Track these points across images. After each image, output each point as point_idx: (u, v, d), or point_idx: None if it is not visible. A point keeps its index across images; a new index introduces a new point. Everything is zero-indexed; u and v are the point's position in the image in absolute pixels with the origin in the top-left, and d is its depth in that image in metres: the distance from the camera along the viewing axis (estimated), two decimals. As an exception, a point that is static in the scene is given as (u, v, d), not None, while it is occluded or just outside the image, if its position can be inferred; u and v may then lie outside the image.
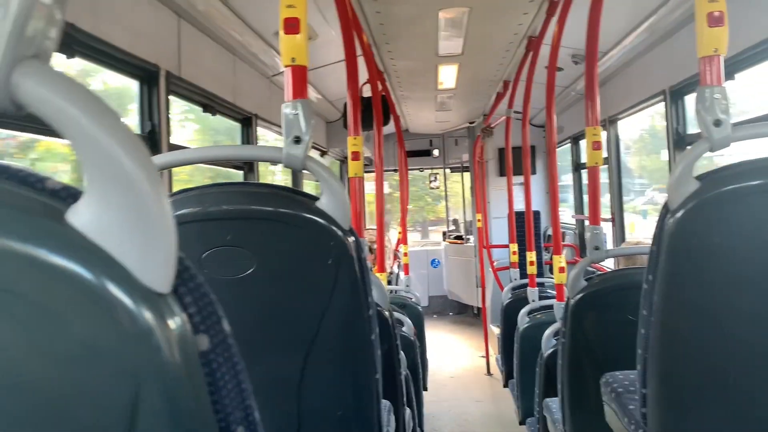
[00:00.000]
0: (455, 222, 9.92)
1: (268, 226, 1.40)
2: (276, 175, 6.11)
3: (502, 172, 7.88)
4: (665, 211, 1.47)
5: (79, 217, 0.47)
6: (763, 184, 1.39)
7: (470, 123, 8.35)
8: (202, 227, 1.40)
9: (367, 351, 1.46)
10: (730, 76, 3.22)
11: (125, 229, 0.46)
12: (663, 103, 4.05)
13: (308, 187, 6.07)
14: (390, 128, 6.19)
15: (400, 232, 6.55)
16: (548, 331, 3.20)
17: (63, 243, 0.46)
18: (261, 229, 1.40)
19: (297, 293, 1.41)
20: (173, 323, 0.48)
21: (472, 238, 8.76)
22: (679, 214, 1.42)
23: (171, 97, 3.03)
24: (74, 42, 2.27)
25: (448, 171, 9.90)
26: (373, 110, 3.75)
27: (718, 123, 1.46)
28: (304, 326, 1.42)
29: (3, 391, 0.45)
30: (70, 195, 0.49)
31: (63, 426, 0.46)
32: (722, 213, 1.41)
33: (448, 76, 5.32)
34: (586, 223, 4.63)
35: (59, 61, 2.26)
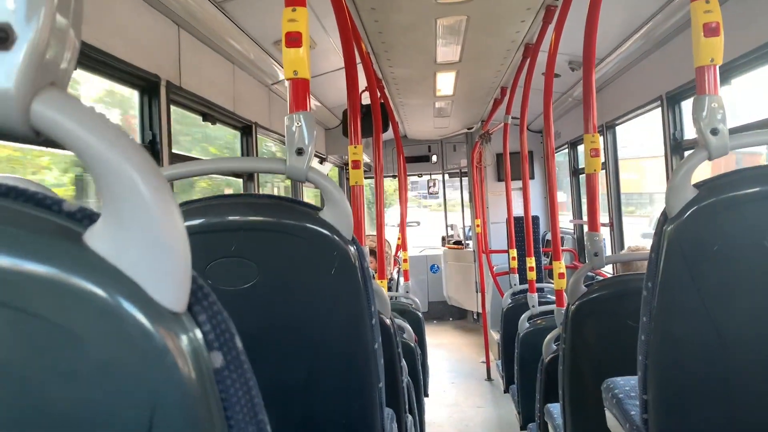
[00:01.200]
0: (453, 227, 9.94)
1: (271, 236, 1.41)
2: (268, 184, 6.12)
3: (500, 178, 7.90)
4: (664, 218, 1.48)
5: (96, 239, 0.48)
6: (761, 192, 1.41)
7: (468, 129, 8.38)
8: (206, 239, 1.41)
9: (371, 360, 1.47)
10: (726, 81, 3.25)
11: (141, 250, 0.48)
12: (659, 109, 4.07)
13: (306, 195, 6.08)
14: (389, 135, 6.21)
15: (399, 238, 6.56)
16: (549, 337, 3.21)
17: (81, 264, 0.47)
18: (264, 239, 1.42)
19: (300, 303, 1.43)
20: (188, 341, 0.49)
21: (471, 243, 8.77)
22: (677, 222, 1.44)
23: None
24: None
25: (446, 177, 9.92)
26: (373, 118, 3.77)
27: (715, 132, 1.48)
28: (308, 336, 1.43)
29: (21, 412, 0.46)
30: (86, 217, 0.50)
31: None
32: (720, 220, 1.43)
33: (446, 83, 5.35)
34: (585, 228, 4.64)
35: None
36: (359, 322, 1.44)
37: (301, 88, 1.51)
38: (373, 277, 3.51)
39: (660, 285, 1.48)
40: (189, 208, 1.44)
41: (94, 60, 2.43)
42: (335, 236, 1.40)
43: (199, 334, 0.50)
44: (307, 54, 1.51)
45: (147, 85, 2.88)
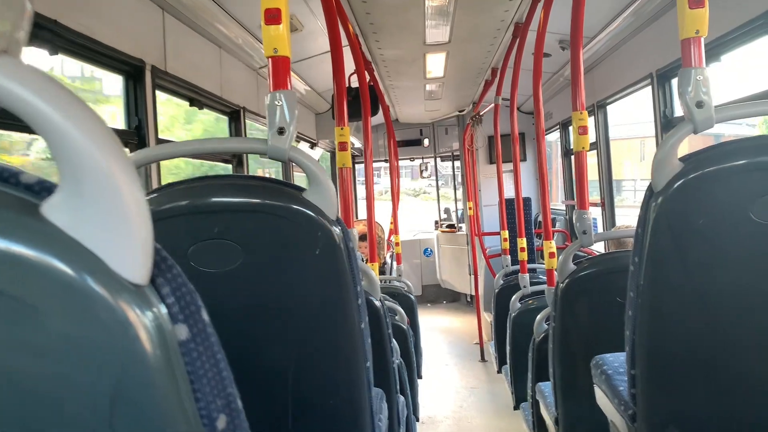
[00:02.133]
0: (447, 211, 9.94)
1: (255, 218, 1.40)
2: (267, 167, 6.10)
3: (492, 160, 7.90)
4: (650, 193, 1.48)
5: (54, 211, 0.47)
6: (746, 164, 1.40)
7: (460, 111, 8.35)
8: (189, 221, 1.40)
9: (357, 339, 1.47)
10: (716, 57, 3.24)
11: (100, 221, 0.47)
12: (650, 87, 4.06)
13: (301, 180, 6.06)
14: (380, 119, 6.18)
15: (391, 222, 6.56)
16: (539, 316, 3.22)
17: (38, 237, 0.46)
18: (248, 221, 1.40)
19: (286, 284, 1.42)
20: (151, 314, 0.48)
21: (464, 226, 8.78)
22: (663, 196, 1.44)
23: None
24: (57, 38, 2.26)
25: (438, 160, 9.90)
26: (361, 100, 3.74)
27: (700, 104, 1.47)
28: (293, 317, 1.43)
29: None
30: (44, 189, 0.49)
31: (44, 419, 0.47)
32: (705, 193, 1.42)
33: (436, 64, 5.32)
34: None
35: (43, 59, 2.25)
36: (345, 302, 1.43)
37: (281, 67, 1.49)
38: (365, 261, 3.51)
39: (646, 260, 1.48)
40: (172, 190, 1.43)
41: (77, 45, 2.40)
42: (319, 216, 1.39)
43: (162, 306, 0.50)
44: (287, 31, 1.49)
45: (132, 70, 2.85)
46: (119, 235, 0.47)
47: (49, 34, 2.21)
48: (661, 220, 1.44)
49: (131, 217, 0.48)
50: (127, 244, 0.47)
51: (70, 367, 0.46)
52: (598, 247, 5.15)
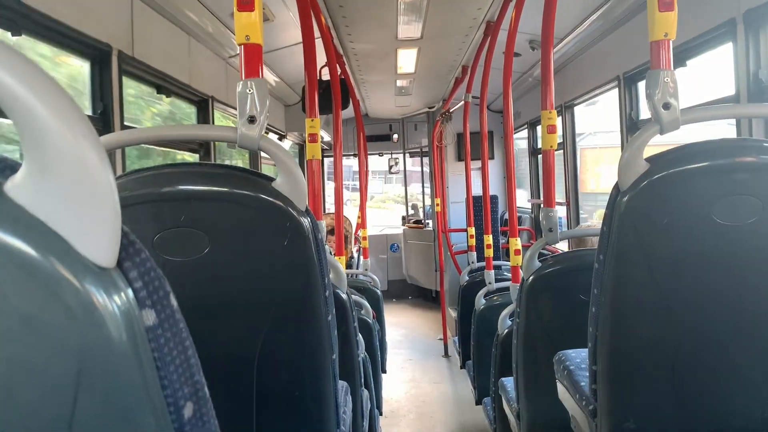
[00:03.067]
0: (414, 207, 9.97)
1: (223, 206, 1.38)
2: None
3: (460, 157, 7.94)
4: (616, 192, 1.50)
5: (18, 189, 0.45)
6: (710, 166, 1.44)
7: (430, 108, 8.37)
8: (156, 208, 1.37)
9: (324, 332, 1.46)
10: (682, 62, 3.30)
11: (66, 201, 0.45)
12: (617, 89, 4.13)
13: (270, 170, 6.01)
14: (349, 113, 6.16)
15: (359, 217, 6.55)
16: (504, 312, 3.25)
17: (1, 216, 0.44)
18: (216, 209, 1.38)
19: (252, 274, 1.40)
20: (117, 298, 0.47)
21: (431, 222, 8.82)
22: (628, 195, 1.46)
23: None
24: (20, 18, 2.20)
25: (407, 156, 9.92)
26: (332, 92, 3.72)
27: (667, 106, 1.50)
28: (260, 307, 1.41)
29: None
30: (7, 167, 0.47)
31: (5, 403, 0.45)
32: (670, 193, 1.45)
33: (407, 60, 5.32)
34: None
35: (6, 39, 2.18)
36: (312, 293, 1.43)
37: (253, 54, 1.47)
38: (332, 254, 3.51)
39: (611, 257, 1.50)
40: (139, 177, 1.40)
41: (40, 26, 2.33)
42: (288, 207, 1.38)
43: (129, 290, 0.48)
44: (260, 19, 1.47)
45: (98, 55, 2.78)
46: (86, 216, 0.46)
47: (12, 13, 2.14)
48: (627, 219, 1.47)
49: (99, 198, 0.46)
50: (93, 226, 0.46)
51: (31, 350, 0.45)
52: (563, 246, 5.23)
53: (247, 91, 1.43)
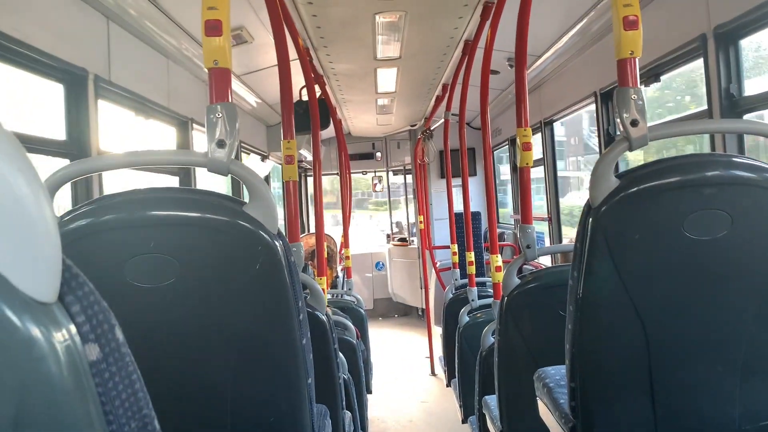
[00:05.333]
0: (398, 224, 9.98)
1: (193, 232, 1.37)
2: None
3: (443, 174, 7.97)
4: (587, 208, 1.51)
5: None
6: (679, 181, 1.45)
7: (411, 126, 8.42)
8: (125, 234, 1.36)
9: (298, 355, 1.45)
10: (656, 78, 3.35)
11: (3, 236, 0.45)
12: (594, 105, 4.18)
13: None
14: (332, 132, 6.18)
15: (342, 236, 6.54)
16: (486, 330, 3.25)
17: None
18: (186, 235, 1.37)
19: (224, 299, 1.39)
20: (58, 333, 0.46)
21: (415, 240, 8.83)
22: (600, 212, 1.47)
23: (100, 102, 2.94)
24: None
25: (390, 174, 9.95)
26: (310, 113, 3.74)
27: (635, 123, 1.52)
28: (233, 333, 1.40)
29: None
30: None
31: None
32: (640, 209, 1.46)
33: (387, 79, 5.35)
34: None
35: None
36: (285, 317, 1.42)
37: (221, 78, 1.47)
38: (313, 274, 3.49)
39: (584, 274, 1.51)
40: (108, 203, 1.39)
41: (12, 51, 2.32)
42: (260, 231, 1.37)
43: (71, 325, 0.48)
44: (228, 43, 1.47)
45: (73, 79, 2.77)
46: (22, 250, 0.45)
47: None
48: (598, 235, 1.48)
49: (36, 232, 0.46)
50: (31, 260, 0.45)
51: None
52: (547, 261, 5.25)
53: (216, 115, 1.43)
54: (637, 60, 1.56)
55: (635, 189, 1.46)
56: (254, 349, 1.41)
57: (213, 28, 1.44)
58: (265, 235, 1.37)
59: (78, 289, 0.50)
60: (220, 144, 1.42)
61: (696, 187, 1.45)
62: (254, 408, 1.45)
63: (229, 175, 1.45)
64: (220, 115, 1.43)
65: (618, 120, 1.55)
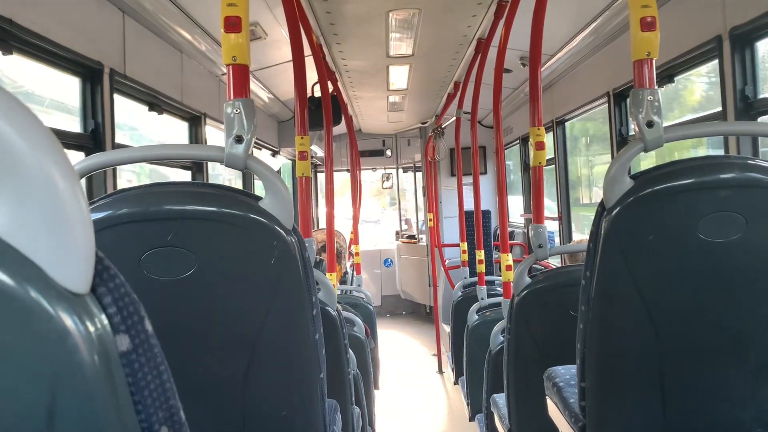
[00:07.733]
0: (407, 222, 9.98)
1: (210, 226, 1.38)
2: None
3: (453, 172, 7.96)
4: (601, 209, 1.51)
5: None
6: (694, 183, 1.45)
7: (422, 123, 8.41)
8: (142, 227, 1.37)
9: (311, 350, 1.46)
10: (670, 79, 3.34)
11: (38, 227, 0.46)
12: (607, 105, 4.16)
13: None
14: (343, 128, 6.19)
15: (352, 232, 6.56)
16: (496, 328, 3.25)
17: None
18: (203, 229, 1.39)
19: (239, 293, 1.40)
20: (91, 324, 0.47)
21: (424, 237, 8.83)
22: (614, 212, 1.47)
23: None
24: (11, 38, 2.21)
25: (400, 171, 9.95)
26: (323, 109, 3.75)
27: (650, 124, 1.52)
28: (247, 326, 1.41)
29: None
30: None
31: None
32: (655, 210, 1.46)
33: (399, 76, 5.35)
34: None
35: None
36: (299, 312, 1.43)
37: (240, 75, 1.49)
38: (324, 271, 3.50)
39: (597, 274, 1.51)
40: (125, 195, 1.40)
41: (31, 45, 2.35)
42: (275, 226, 1.38)
43: (103, 316, 0.49)
44: (247, 40, 1.48)
45: (89, 73, 2.80)
46: (58, 242, 0.46)
47: (3, 33, 2.15)
48: (612, 236, 1.48)
49: (72, 224, 0.47)
50: (66, 252, 0.47)
51: (3, 377, 0.45)
52: (556, 261, 5.24)
53: (234, 111, 1.44)
54: (653, 61, 1.56)
55: (650, 190, 1.46)
56: (268, 343, 1.42)
57: (232, 24, 1.45)
58: (280, 231, 1.38)
59: (109, 280, 0.51)
60: (239, 139, 1.43)
61: (711, 189, 1.44)
62: (267, 401, 1.47)
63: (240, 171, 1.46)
64: (239, 110, 1.44)
65: (634, 121, 1.55)
